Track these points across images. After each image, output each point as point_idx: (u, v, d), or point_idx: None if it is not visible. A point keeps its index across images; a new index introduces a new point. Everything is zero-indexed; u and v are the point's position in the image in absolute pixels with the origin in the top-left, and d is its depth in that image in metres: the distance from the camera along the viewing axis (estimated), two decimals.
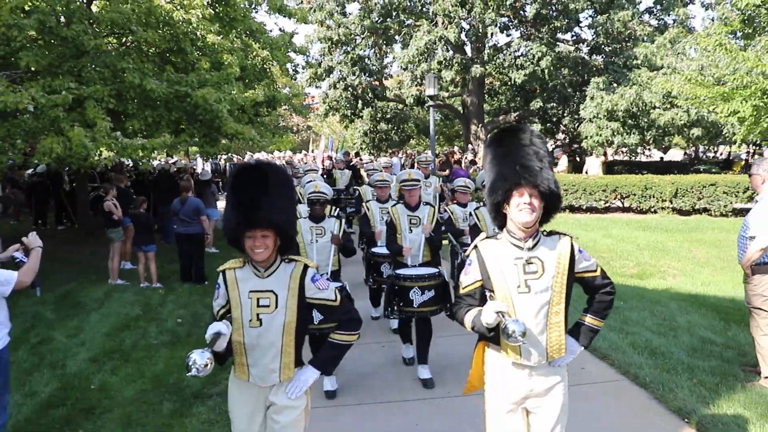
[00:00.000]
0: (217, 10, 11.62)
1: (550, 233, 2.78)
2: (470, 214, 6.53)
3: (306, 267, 2.82)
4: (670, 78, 13.77)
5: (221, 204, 17.20)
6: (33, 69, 9.02)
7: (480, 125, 24.12)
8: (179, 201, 9.27)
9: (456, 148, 28.07)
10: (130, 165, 15.16)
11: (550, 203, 2.67)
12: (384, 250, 6.11)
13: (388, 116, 26.51)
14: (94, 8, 10.59)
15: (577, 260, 2.76)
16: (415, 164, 18.00)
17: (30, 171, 16.08)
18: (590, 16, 22.20)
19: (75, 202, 14.26)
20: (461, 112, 25.71)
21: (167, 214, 10.90)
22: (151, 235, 9.05)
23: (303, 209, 6.60)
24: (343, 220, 5.75)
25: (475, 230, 6.09)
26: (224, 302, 2.80)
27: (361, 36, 23.18)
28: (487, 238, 2.83)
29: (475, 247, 2.82)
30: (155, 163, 18.36)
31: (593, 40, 21.96)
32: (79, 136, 8.02)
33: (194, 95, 9.89)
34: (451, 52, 21.42)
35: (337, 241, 5.44)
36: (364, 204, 7.13)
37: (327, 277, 5.06)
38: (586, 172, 17.95)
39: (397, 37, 23.92)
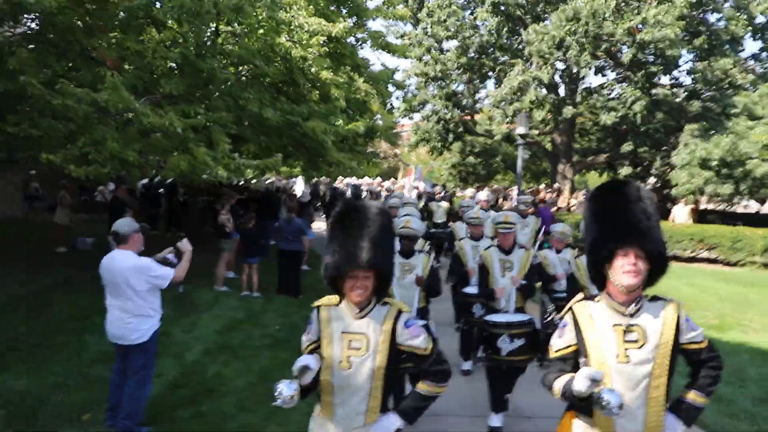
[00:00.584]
0: (329, 47, 12.73)
1: (654, 298, 2.59)
2: (569, 263, 6.26)
3: (400, 312, 2.76)
4: None
5: (316, 224, 18.45)
6: (172, 94, 10.36)
7: (568, 164, 24.26)
8: (285, 220, 10.26)
9: (542, 186, 28.24)
10: (241, 183, 16.59)
11: (657, 266, 2.52)
12: (476, 290, 6.00)
13: (477, 150, 27.10)
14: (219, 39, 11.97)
15: (683, 330, 2.55)
16: (500, 200, 18.47)
17: (144, 181, 17.86)
18: (690, 60, 22.06)
19: (186, 213, 15.71)
20: (550, 150, 25.92)
21: (266, 230, 11.98)
22: (257, 249, 10.05)
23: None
24: (432, 256, 5.51)
25: (572, 280, 5.81)
26: (315, 338, 2.77)
27: (457, 72, 24.02)
28: (584, 299, 2.68)
29: (571, 308, 2.67)
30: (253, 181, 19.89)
31: (691, 85, 21.71)
32: (203, 155, 9.18)
33: (304, 125, 10.95)
34: (544, 91, 21.82)
35: (421, 282, 5.26)
36: (456, 242, 7.04)
37: (415, 316, 4.85)
38: (673, 220, 17.74)
39: (490, 73, 24.62)
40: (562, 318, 2.73)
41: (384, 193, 18.79)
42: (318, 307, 2.79)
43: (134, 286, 4.58)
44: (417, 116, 25.58)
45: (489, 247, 5.71)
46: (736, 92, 19.68)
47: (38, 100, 8.87)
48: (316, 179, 20.81)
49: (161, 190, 16.88)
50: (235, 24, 11.04)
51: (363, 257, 2.59)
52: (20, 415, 5.00)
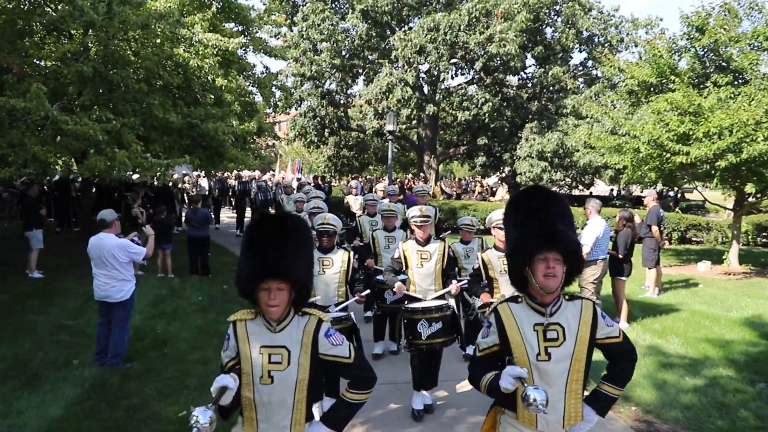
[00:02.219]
0: (221, 57, 14.27)
1: (572, 297, 2.73)
2: (476, 257, 6.10)
3: (320, 321, 2.72)
4: (590, 127, 16.96)
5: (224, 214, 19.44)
6: (83, 103, 11.44)
7: (432, 156, 27.22)
8: (192, 210, 11.81)
9: (410, 176, 31.18)
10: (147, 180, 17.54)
11: (573, 266, 2.65)
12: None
13: (351, 144, 29.36)
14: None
15: (600, 326, 2.70)
16: (376, 189, 20.78)
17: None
18: (533, 65, 25.76)
19: (81, 208, 16.48)
20: (416, 143, 28.80)
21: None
22: (169, 236, 11.51)
23: None
24: (352, 254, 5.71)
25: (476, 275, 5.66)
26: (234, 354, 2.68)
27: (330, 72, 26.07)
28: (508, 300, 2.78)
29: (495, 309, 2.76)
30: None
31: (531, 88, 25.41)
32: (122, 156, 10.52)
33: (204, 127, 12.50)
34: (409, 90, 24.48)
35: (362, 300, 5.57)
36: (370, 233, 7.41)
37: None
38: None
39: (361, 71, 26.96)
40: (487, 318, 2.82)
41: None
42: (234, 322, 2.71)
43: (118, 259, 6.21)
44: (293, 111, 27.27)
45: (406, 241, 5.82)
46: (566, 96, 23.50)
47: None
48: (219, 175, 22.02)
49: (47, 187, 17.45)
50: (136, 36, 12.28)
51: (276, 268, 2.53)
52: (16, 368, 6.40)
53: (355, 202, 13.08)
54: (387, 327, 7.13)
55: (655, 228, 9.84)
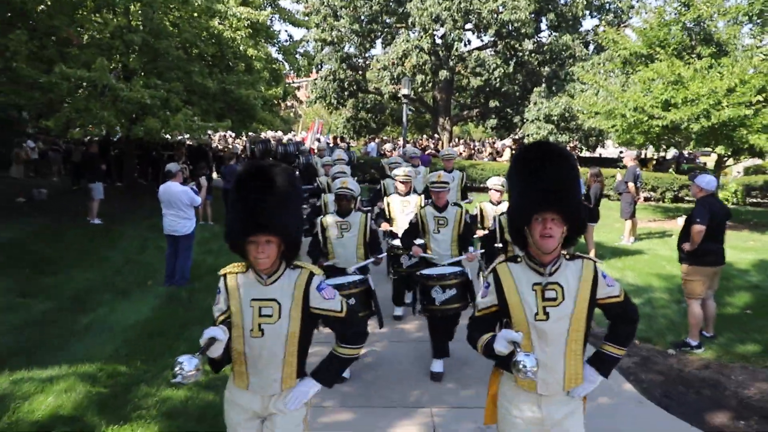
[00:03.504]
0: (251, 28, 15.73)
1: (573, 257, 2.67)
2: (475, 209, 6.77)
3: (312, 275, 2.69)
4: (596, 93, 18.13)
5: None
6: (132, 69, 13.02)
7: (447, 118, 28.55)
8: (226, 167, 13.46)
9: (425, 137, 32.55)
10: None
11: (573, 227, 2.56)
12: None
13: (369, 106, 30.73)
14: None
15: (600, 286, 2.65)
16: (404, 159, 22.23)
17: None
18: (546, 30, 26.80)
19: (121, 166, 18.28)
20: (431, 105, 30.09)
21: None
22: (211, 189, 13.19)
23: (330, 198, 7.20)
24: (369, 216, 5.86)
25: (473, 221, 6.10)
26: (225, 308, 2.68)
27: (349, 36, 27.32)
28: (507, 260, 2.72)
29: (494, 269, 2.72)
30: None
31: (542, 54, 26.45)
32: (177, 119, 12.14)
33: (237, 92, 14.06)
34: (424, 56, 25.68)
35: (379, 261, 5.80)
36: (385, 198, 7.48)
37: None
38: None
39: (379, 34, 28.19)
40: (486, 278, 2.78)
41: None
42: (225, 275, 2.69)
43: (183, 201, 7.90)
44: (313, 74, 28.64)
45: (425, 206, 5.99)
46: (574, 62, 24.54)
47: (25, 78, 11.35)
48: (264, 136, 23.60)
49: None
50: (177, 9, 13.77)
51: (263, 222, 2.49)
52: (107, 286, 8.18)
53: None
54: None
55: (631, 184, 11.28)
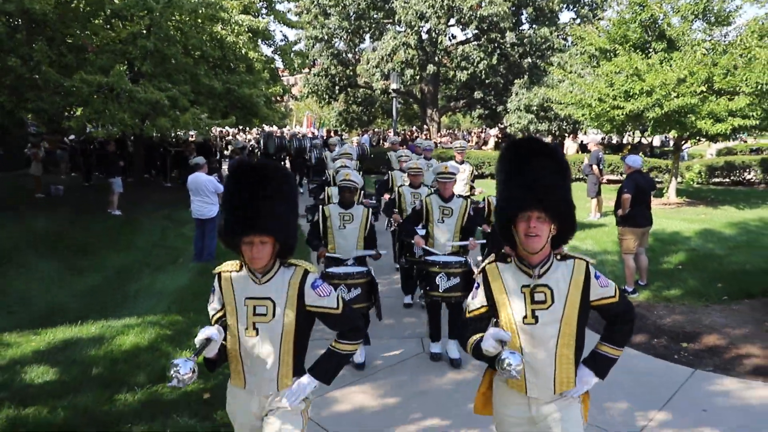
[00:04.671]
0: (250, 33, 17.11)
1: (565, 257, 2.56)
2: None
3: (306, 272, 2.66)
4: (571, 83, 19.56)
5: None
6: (143, 72, 14.37)
7: (434, 109, 30.00)
8: (233, 160, 14.85)
9: (414, 128, 33.99)
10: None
11: (563, 226, 2.46)
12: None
13: (359, 100, 32.12)
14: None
15: (593, 287, 2.54)
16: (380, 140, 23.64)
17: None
18: (525, 23, 28.25)
19: (132, 162, 19.63)
20: (419, 98, 31.51)
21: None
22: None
23: (334, 191, 7.37)
24: (371, 211, 5.94)
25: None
26: (219, 307, 2.68)
27: (339, 33, 28.68)
28: (497, 259, 2.63)
29: (483, 270, 2.64)
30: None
31: (522, 47, 27.89)
32: (186, 118, 13.52)
33: (240, 91, 15.45)
34: (412, 52, 27.05)
35: (378, 257, 5.88)
36: (396, 189, 7.64)
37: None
38: None
39: (367, 29, 29.55)
40: (475, 278, 2.72)
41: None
42: (219, 273, 2.69)
43: (209, 189, 9.31)
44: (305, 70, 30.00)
45: (430, 194, 6.16)
46: (552, 54, 26.00)
47: (49, 83, 12.67)
48: (279, 132, 24.94)
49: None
50: (186, 19, 15.12)
51: (257, 222, 2.46)
52: (143, 264, 9.58)
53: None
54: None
55: (594, 167, 12.80)
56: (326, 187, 8.62)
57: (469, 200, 6.17)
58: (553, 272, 2.52)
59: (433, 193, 6.18)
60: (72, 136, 22.14)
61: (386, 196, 8.75)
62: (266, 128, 21.96)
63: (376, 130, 34.49)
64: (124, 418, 4.34)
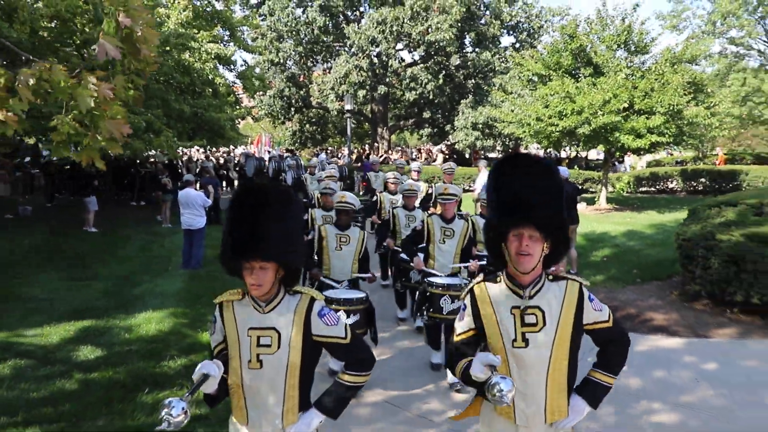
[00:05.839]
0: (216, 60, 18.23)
1: (557, 278, 2.46)
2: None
3: (313, 300, 2.53)
4: (513, 103, 21.44)
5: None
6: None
7: (385, 128, 31.60)
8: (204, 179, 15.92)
9: (366, 146, 35.50)
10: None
11: (556, 244, 2.37)
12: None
13: (313, 120, 33.46)
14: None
15: (586, 310, 2.44)
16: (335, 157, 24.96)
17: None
18: (470, 47, 30.30)
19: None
20: (370, 117, 33.08)
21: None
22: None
23: (318, 214, 7.41)
24: (366, 232, 5.98)
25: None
26: (221, 338, 2.54)
27: (293, 57, 30.04)
28: (485, 280, 2.53)
29: (471, 290, 2.53)
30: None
31: (467, 69, 29.89)
32: (159, 141, 14.54)
33: (208, 115, 16.57)
34: (363, 74, 28.60)
35: (373, 280, 5.96)
36: (390, 210, 7.64)
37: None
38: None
39: (320, 55, 31.04)
40: (462, 299, 2.59)
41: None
42: (221, 303, 2.56)
43: (198, 203, 10.44)
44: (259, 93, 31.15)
45: (431, 215, 6.12)
46: (494, 75, 28.05)
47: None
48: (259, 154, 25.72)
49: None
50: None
51: (257, 247, 2.36)
52: (141, 271, 10.57)
53: (311, 182, 13.43)
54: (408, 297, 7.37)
55: None
56: (309, 209, 8.43)
57: (470, 221, 6.15)
58: (545, 293, 2.42)
59: (435, 214, 6.23)
60: (27, 159, 22.65)
61: (374, 219, 9.01)
62: (240, 150, 23.02)
63: (329, 149, 35.81)
64: (172, 378, 5.50)
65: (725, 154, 25.81)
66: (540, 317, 2.39)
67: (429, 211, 7.24)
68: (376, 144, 31.26)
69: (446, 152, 29.88)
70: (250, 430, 2.53)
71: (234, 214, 2.46)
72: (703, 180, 21.85)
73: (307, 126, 33.61)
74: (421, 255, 6.00)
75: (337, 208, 5.85)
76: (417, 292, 6.01)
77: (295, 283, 2.57)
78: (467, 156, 28.50)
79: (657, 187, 23.20)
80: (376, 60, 28.42)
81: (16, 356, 5.96)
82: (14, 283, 9.54)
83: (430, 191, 9.79)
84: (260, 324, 2.47)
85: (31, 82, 3.11)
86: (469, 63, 28.71)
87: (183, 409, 2.17)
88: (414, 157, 33.03)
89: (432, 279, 5.59)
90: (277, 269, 2.43)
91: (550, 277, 2.47)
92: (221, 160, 25.67)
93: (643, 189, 23.06)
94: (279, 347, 2.46)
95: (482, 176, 12.48)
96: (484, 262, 5.86)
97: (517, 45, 30.95)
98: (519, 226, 2.31)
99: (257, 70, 29.71)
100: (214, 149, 21.33)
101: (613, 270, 9.65)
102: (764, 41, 29.20)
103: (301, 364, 2.50)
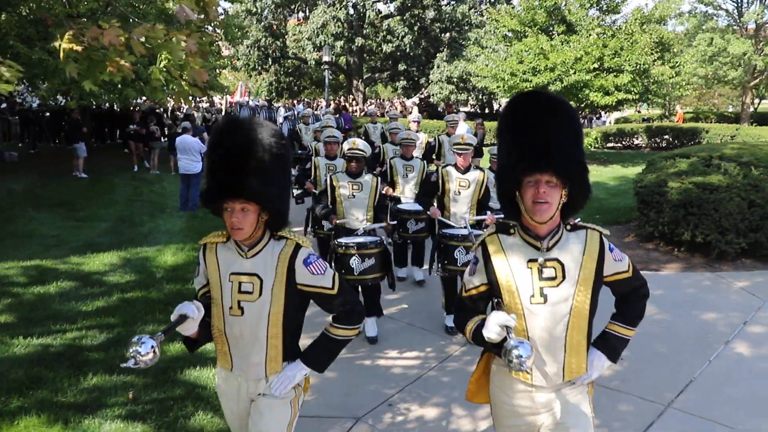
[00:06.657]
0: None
1: (575, 227, 2.26)
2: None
3: (298, 246, 2.37)
4: (487, 57, 22.14)
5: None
6: None
7: (360, 80, 31.98)
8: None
9: (342, 98, 35.84)
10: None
11: (576, 191, 2.14)
12: (410, 207, 6.52)
13: (290, 71, 33.59)
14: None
15: (607, 261, 2.26)
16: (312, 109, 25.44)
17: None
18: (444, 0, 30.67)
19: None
20: (345, 69, 33.36)
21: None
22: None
23: (322, 162, 7.13)
24: (380, 179, 5.84)
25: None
26: (205, 281, 2.46)
27: (270, 7, 29.99)
28: (498, 231, 2.31)
29: (483, 242, 2.32)
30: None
31: (443, 23, 30.28)
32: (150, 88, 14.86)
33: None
34: (341, 25, 28.80)
35: (389, 228, 5.84)
36: (388, 161, 7.51)
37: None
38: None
39: (296, 5, 31.03)
40: (473, 252, 2.38)
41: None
42: (204, 245, 2.46)
43: (194, 149, 11.04)
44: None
45: (446, 166, 5.95)
46: (470, 29, 28.55)
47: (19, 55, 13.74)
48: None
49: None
50: None
51: (237, 186, 2.20)
52: (141, 213, 11.19)
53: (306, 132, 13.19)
54: (409, 253, 7.30)
55: None
56: (312, 158, 8.12)
57: (486, 171, 5.90)
58: (564, 245, 2.22)
59: (449, 164, 6.00)
60: (4, 105, 22.59)
61: (379, 170, 8.75)
62: (217, 99, 23.25)
63: (305, 99, 36.02)
64: None
65: (690, 112, 27.08)
66: (559, 270, 2.19)
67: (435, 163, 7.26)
68: (351, 96, 31.67)
69: (421, 105, 30.48)
70: (235, 377, 2.48)
71: (216, 150, 2.32)
72: (666, 137, 23.07)
73: (284, 77, 33.74)
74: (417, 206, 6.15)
75: (349, 155, 5.67)
76: (433, 245, 5.91)
77: (282, 228, 2.42)
78: (440, 110, 29.24)
79: (623, 143, 24.36)
80: (352, 11, 28.60)
81: (55, 279, 6.68)
82: (19, 221, 10.10)
83: (432, 142, 9.86)
84: (242, 269, 2.36)
85: (142, 39, 3.72)
86: (445, 16, 29.08)
87: (152, 347, 2.04)
88: (388, 109, 33.60)
89: (445, 230, 5.52)
90: (260, 212, 2.29)
91: (568, 227, 2.26)
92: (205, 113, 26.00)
93: (610, 144, 24.19)
94: (260, 295, 2.35)
95: (461, 126, 13.21)
96: (502, 216, 5.76)
97: (493, 0, 31.47)
98: (535, 171, 2.09)
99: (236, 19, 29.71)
100: (198, 99, 21.46)
101: (578, 216, 10.60)
102: (732, 2, 30.15)
103: (285, 313, 2.38)
